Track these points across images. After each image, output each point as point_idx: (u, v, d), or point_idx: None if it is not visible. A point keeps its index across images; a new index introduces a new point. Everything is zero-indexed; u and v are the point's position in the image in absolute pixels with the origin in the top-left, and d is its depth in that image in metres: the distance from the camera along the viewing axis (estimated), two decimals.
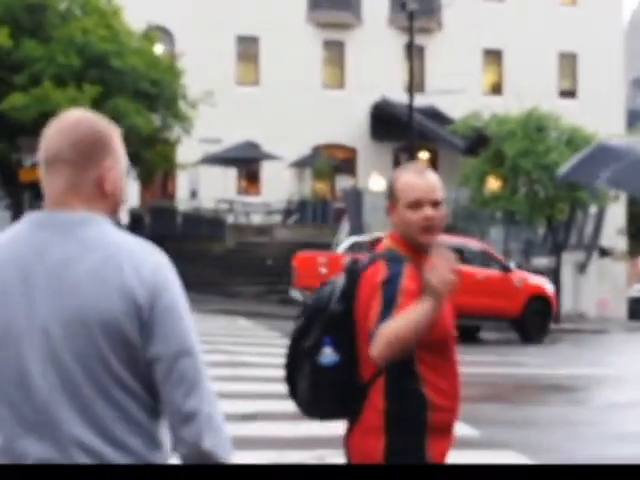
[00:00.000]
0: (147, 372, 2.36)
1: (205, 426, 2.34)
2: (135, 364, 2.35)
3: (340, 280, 3.49)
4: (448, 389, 3.39)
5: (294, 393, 3.50)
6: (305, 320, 3.49)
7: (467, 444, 9.14)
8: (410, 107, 26.41)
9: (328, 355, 3.37)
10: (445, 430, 3.42)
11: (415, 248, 3.39)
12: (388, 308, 3.21)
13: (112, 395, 2.33)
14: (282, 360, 3.56)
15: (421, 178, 3.42)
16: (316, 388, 3.41)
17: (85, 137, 2.42)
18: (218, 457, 2.35)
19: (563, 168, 5.29)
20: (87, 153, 2.41)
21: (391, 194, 3.45)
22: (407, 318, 3.11)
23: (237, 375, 12.25)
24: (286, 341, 3.60)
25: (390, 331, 3.11)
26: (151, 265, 2.36)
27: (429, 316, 3.08)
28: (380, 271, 3.31)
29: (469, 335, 20.83)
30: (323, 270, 21.16)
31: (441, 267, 3.05)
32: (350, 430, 3.40)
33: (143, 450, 2.36)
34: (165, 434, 2.42)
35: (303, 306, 3.60)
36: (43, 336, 2.33)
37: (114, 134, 2.50)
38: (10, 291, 2.35)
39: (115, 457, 2.33)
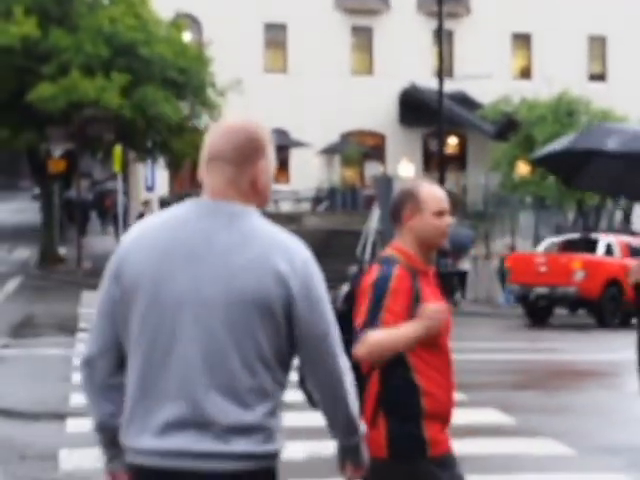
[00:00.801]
0: (285, 350, 2.77)
1: (347, 395, 2.86)
2: (277, 343, 2.75)
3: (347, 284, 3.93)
4: (440, 379, 3.68)
5: (303, 384, 3.60)
6: None
7: (503, 432, 9.03)
8: (440, 92, 26.19)
9: None
10: (442, 418, 3.71)
11: (420, 257, 3.77)
12: (375, 307, 3.57)
13: (254, 368, 2.72)
14: None
15: (440, 190, 3.86)
16: None
17: (246, 141, 2.79)
18: (358, 422, 2.92)
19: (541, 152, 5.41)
20: (246, 155, 2.79)
21: (413, 203, 3.76)
22: (396, 333, 3.50)
23: None
24: None
25: (375, 340, 3.49)
26: (302, 258, 2.76)
27: (415, 338, 3.51)
28: (373, 273, 3.69)
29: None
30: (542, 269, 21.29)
31: (435, 308, 3.51)
32: None
33: (266, 414, 2.75)
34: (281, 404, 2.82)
35: None
36: (203, 309, 2.70)
37: (269, 140, 2.86)
38: (180, 268, 2.72)
39: (242, 419, 2.71)
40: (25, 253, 32.38)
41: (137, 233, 2.84)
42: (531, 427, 9.26)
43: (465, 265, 24.95)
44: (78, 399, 10.30)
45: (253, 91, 32.58)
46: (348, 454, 3.03)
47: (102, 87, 25.61)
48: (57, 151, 28.37)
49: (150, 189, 36.83)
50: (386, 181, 30.95)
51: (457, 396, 11.49)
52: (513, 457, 7.97)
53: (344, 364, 2.86)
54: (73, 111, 25.97)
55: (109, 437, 2.90)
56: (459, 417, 9.52)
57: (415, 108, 36.75)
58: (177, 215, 2.82)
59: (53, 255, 29.38)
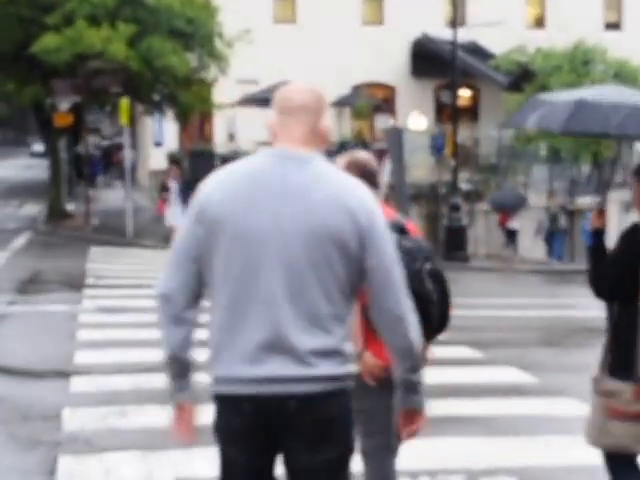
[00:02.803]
0: (356, 280, 3.09)
1: (411, 325, 3.14)
2: (351, 272, 3.06)
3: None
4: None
5: None
6: None
7: (524, 391, 8.70)
8: (454, 42, 25.62)
9: None
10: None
11: None
12: None
13: (332, 295, 3.03)
14: None
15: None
16: None
17: (320, 96, 3.18)
18: (418, 347, 3.17)
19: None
20: (322, 107, 3.18)
21: None
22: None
23: None
24: None
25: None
26: (369, 197, 3.11)
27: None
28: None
29: None
30: None
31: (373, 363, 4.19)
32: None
33: (342, 339, 3.07)
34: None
35: None
36: (285, 243, 3.00)
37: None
38: (261, 206, 3.02)
39: (324, 343, 3.02)
40: (34, 209, 32.04)
41: (217, 180, 3.13)
42: (553, 386, 8.94)
43: (515, 224, 25.07)
44: (83, 357, 10.02)
45: (261, 42, 32.00)
46: (407, 393, 3.24)
47: (108, 38, 25.02)
48: (64, 104, 27.81)
49: (159, 144, 36.40)
50: (397, 134, 30.44)
51: (475, 354, 11.11)
52: (537, 418, 7.65)
53: (408, 301, 3.16)
54: (78, 63, 25.42)
55: (179, 368, 3.17)
56: (479, 376, 9.23)
57: (427, 59, 36.15)
58: (253, 163, 3.14)
59: (61, 211, 28.98)
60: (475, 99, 38.67)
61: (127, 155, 26.18)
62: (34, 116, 32.00)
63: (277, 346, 3.00)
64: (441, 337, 4.45)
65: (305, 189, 3.04)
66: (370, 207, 3.09)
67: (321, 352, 3.02)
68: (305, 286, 3.01)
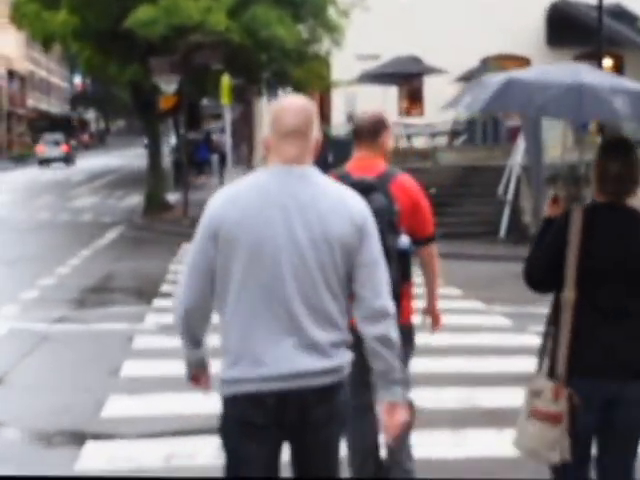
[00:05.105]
0: (351, 275, 3.55)
1: (390, 321, 3.57)
2: (350, 271, 3.54)
3: None
4: None
5: None
6: None
7: None
8: (600, 5, 22.30)
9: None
10: None
11: None
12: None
13: (338, 294, 3.52)
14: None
15: None
16: None
17: (311, 117, 3.59)
18: (397, 344, 3.57)
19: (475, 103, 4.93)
20: (311, 127, 3.59)
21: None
22: None
23: None
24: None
25: None
26: (362, 203, 3.60)
27: None
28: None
29: None
30: None
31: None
32: None
33: (346, 329, 3.56)
34: None
35: None
36: (298, 250, 3.44)
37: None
38: (274, 219, 3.45)
39: (338, 337, 3.51)
40: (135, 201, 30.02)
41: (228, 198, 3.51)
42: None
43: None
44: (116, 408, 7.51)
45: (380, 13, 29.27)
46: (387, 385, 3.55)
47: (207, 8, 22.58)
48: (170, 86, 25.45)
49: None
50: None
51: None
52: None
53: (389, 294, 3.59)
54: (175, 37, 23.01)
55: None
56: None
57: (565, 26, 32.92)
58: (260, 179, 3.54)
59: (160, 202, 26.62)
60: (617, 69, 35.09)
61: (227, 139, 23.62)
62: (132, 99, 29.77)
63: (298, 342, 3.41)
64: None
65: (312, 200, 3.48)
66: (365, 212, 3.58)
67: (335, 344, 3.48)
68: (315, 287, 3.45)
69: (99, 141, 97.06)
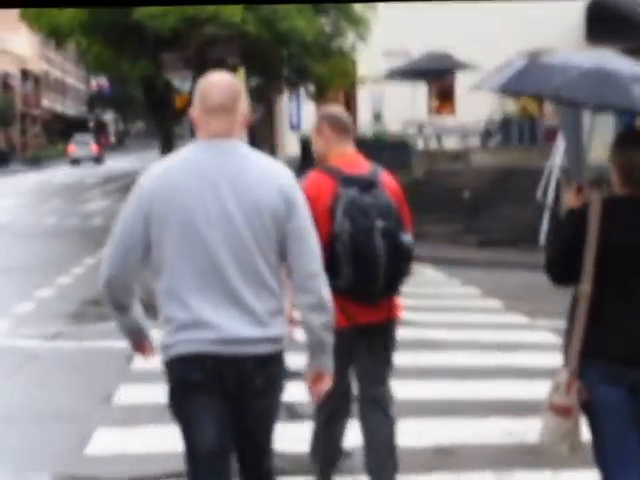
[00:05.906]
0: (284, 243, 3.68)
1: (323, 282, 3.71)
2: (281, 238, 3.67)
3: None
4: None
5: None
6: None
7: None
8: None
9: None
10: None
11: None
12: None
13: (271, 260, 3.65)
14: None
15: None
16: None
17: (237, 93, 3.71)
18: (329, 302, 3.71)
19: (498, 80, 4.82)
20: (237, 102, 3.70)
21: None
22: None
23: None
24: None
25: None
26: (289, 174, 3.75)
27: None
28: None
29: None
30: None
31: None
32: None
33: (283, 298, 3.69)
34: None
35: None
36: (229, 221, 3.58)
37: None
38: (204, 192, 3.58)
39: (275, 305, 3.64)
40: None
41: (157, 173, 3.64)
42: None
43: None
44: (103, 445, 6.24)
45: (407, 4, 27.84)
46: (317, 353, 3.72)
47: None
48: (186, 84, 24.10)
49: (295, 127, 32.45)
50: (572, 109, 25.67)
51: None
52: None
53: (319, 260, 3.72)
54: (186, 30, 21.60)
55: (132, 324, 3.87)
56: None
57: (605, 20, 31.51)
58: (189, 154, 3.67)
59: None
60: None
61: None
62: (144, 98, 28.42)
63: (237, 310, 3.54)
64: None
65: (240, 172, 3.62)
66: (292, 182, 3.72)
67: (272, 313, 3.61)
68: (250, 256, 3.57)
69: (118, 143, 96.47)
